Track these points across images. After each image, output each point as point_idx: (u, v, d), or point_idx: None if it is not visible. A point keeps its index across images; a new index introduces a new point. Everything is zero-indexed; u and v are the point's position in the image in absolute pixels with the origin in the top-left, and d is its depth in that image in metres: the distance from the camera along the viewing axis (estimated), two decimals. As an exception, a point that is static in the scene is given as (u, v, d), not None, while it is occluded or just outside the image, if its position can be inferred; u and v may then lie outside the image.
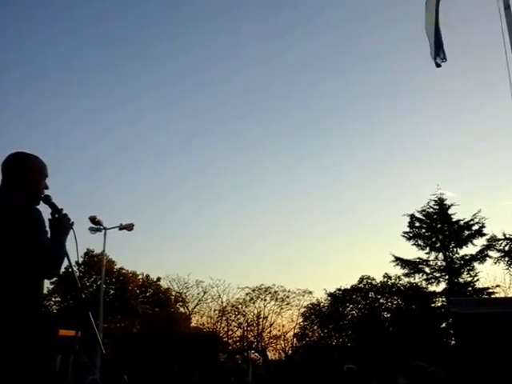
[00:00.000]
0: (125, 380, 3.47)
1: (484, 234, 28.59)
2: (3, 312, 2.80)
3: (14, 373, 2.77)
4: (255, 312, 39.13)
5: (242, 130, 56.49)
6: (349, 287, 33.99)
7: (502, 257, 27.73)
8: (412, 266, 29.48)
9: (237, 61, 56.87)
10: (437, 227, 29.53)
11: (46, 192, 3.32)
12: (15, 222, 2.91)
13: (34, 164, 3.26)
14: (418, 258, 29.37)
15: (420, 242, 29.52)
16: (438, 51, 9.08)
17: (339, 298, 33.94)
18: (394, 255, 29.50)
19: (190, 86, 56.89)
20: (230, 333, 39.42)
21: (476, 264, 28.41)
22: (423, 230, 29.80)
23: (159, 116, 54.78)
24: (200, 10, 56.65)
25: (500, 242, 27.99)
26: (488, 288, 28.33)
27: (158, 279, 39.04)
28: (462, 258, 28.73)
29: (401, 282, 31.78)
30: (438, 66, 9.26)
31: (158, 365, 29.42)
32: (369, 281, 33.98)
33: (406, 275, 30.02)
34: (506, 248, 27.67)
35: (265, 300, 39.17)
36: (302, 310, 37.51)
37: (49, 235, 3.08)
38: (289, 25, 56.68)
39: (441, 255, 29.03)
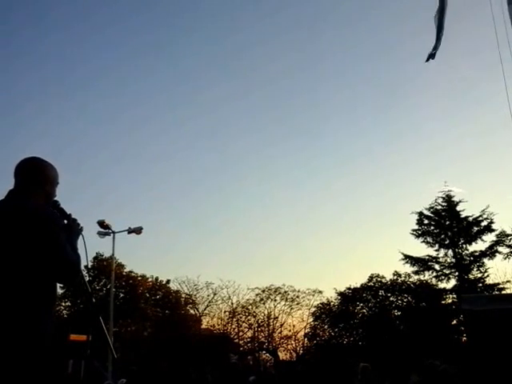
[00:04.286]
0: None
1: (493, 230, 28.49)
2: (16, 316, 2.81)
3: (25, 377, 2.78)
4: (265, 312, 39.16)
5: (253, 130, 56.48)
6: (359, 286, 33.88)
7: (511, 252, 27.66)
8: (421, 264, 29.38)
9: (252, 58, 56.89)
10: (445, 224, 29.42)
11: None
12: (36, 224, 2.92)
13: (50, 172, 3.29)
14: (428, 256, 29.28)
15: (429, 240, 29.43)
16: (437, 44, 9.01)
17: (349, 296, 33.84)
18: (403, 253, 29.47)
19: (199, 86, 56.95)
20: (240, 334, 39.45)
21: (486, 260, 28.33)
22: (432, 228, 29.69)
23: (169, 117, 54.85)
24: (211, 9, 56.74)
25: (509, 237, 27.96)
26: (498, 284, 28.22)
27: (168, 282, 39.08)
28: (472, 254, 28.61)
29: (411, 280, 31.67)
30: (428, 59, 9.19)
31: (169, 367, 29.45)
32: (378, 279, 33.85)
33: (416, 273, 29.95)
34: (516, 243, 27.61)
35: (275, 300, 39.18)
36: (313, 309, 37.51)
37: None
38: (293, 24, 56.73)
39: (450, 252, 28.93)
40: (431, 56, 9.18)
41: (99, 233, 23.25)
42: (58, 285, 3.20)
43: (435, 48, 9.07)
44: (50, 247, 2.89)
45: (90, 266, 34.89)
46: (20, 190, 3.15)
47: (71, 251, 3.03)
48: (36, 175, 3.19)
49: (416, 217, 29.83)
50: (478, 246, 28.64)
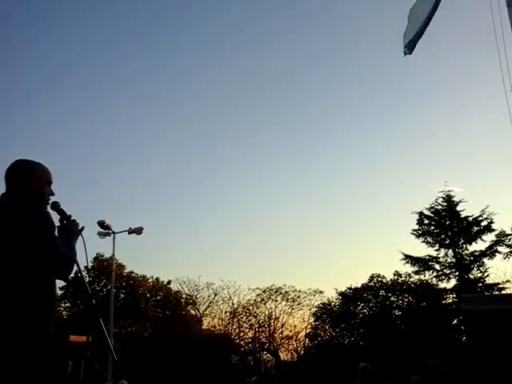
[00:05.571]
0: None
1: (493, 230, 28.50)
2: (16, 316, 2.80)
3: (24, 378, 2.78)
4: (266, 313, 39.18)
5: (253, 130, 56.50)
6: (359, 286, 33.89)
7: (511, 252, 27.69)
8: (422, 264, 29.39)
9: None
10: (445, 224, 29.43)
11: (53, 198, 3.33)
12: (24, 222, 2.92)
13: (37, 171, 3.27)
14: (428, 256, 29.28)
15: (429, 239, 29.43)
16: (415, 41, 9.00)
17: (350, 296, 33.83)
18: (403, 253, 29.47)
19: (199, 86, 56.98)
20: (241, 334, 39.45)
21: (486, 260, 28.32)
22: (432, 227, 29.70)
23: (170, 116, 54.80)
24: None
25: (509, 237, 27.99)
26: (498, 283, 28.23)
27: (169, 282, 39.04)
28: (472, 254, 28.61)
29: (411, 280, 31.64)
30: (405, 53, 9.20)
31: (170, 368, 29.46)
32: (379, 279, 33.83)
33: (416, 272, 29.95)
34: (515, 243, 27.64)
35: (276, 301, 39.20)
36: (314, 309, 37.47)
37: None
38: (293, 24, 56.76)
39: (450, 252, 28.93)
40: (405, 52, 9.19)
41: (99, 233, 23.21)
42: (58, 286, 3.19)
43: (414, 41, 9.07)
44: (40, 244, 2.89)
45: (90, 267, 34.87)
46: (8, 192, 3.17)
47: (64, 247, 3.02)
48: (21, 176, 3.19)
49: (416, 217, 29.88)
50: (478, 245, 28.71)
